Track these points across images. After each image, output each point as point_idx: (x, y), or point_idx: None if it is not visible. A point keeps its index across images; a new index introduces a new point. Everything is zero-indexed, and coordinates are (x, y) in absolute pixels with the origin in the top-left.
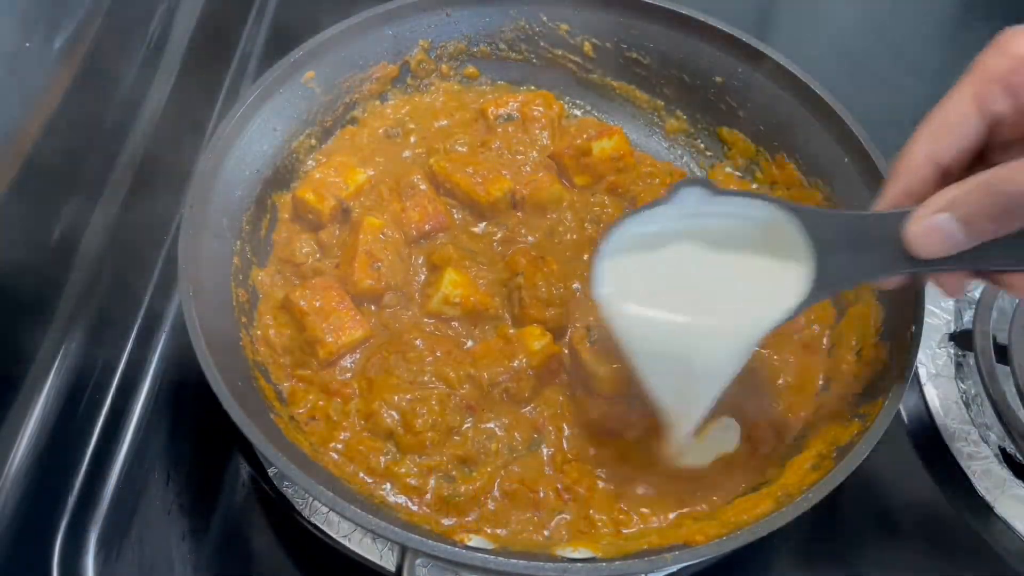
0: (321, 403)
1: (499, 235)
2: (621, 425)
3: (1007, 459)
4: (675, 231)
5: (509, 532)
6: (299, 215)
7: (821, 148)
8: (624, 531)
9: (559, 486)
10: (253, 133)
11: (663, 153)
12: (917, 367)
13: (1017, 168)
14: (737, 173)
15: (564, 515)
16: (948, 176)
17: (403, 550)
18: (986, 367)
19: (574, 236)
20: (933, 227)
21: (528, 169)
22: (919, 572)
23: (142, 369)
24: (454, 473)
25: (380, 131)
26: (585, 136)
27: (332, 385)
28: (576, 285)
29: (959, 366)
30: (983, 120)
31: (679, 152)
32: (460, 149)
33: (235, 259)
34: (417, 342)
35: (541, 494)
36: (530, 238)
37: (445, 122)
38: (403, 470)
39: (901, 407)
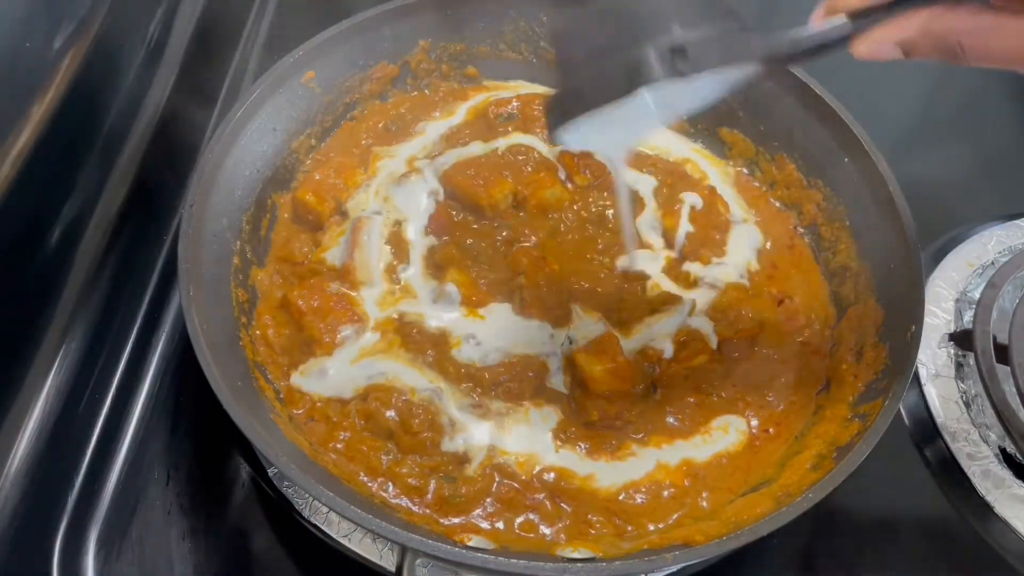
0: (319, 404)
1: (501, 235)
2: (621, 422)
3: (1007, 459)
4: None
5: (508, 529)
6: (299, 216)
7: (821, 148)
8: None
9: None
10: (253, 133)
11: None
12: (917, 367)
13: None
14: (744, 170)
15: (564, 521)
16: None
17: (403, 550)
18: (986, 367)
19: (576, 236)
20: None
21: (530, 169)
22: (919, 572)
23: (142, 369)
24: (455, 473)
25: (379, 125)
26: None
27: None
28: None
29: (959, 366)
30: None
31: None
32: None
33: (235, 259)
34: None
35: (538, 496)
36: (533, 238)
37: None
38: (404, 470)
39: (901, 407)
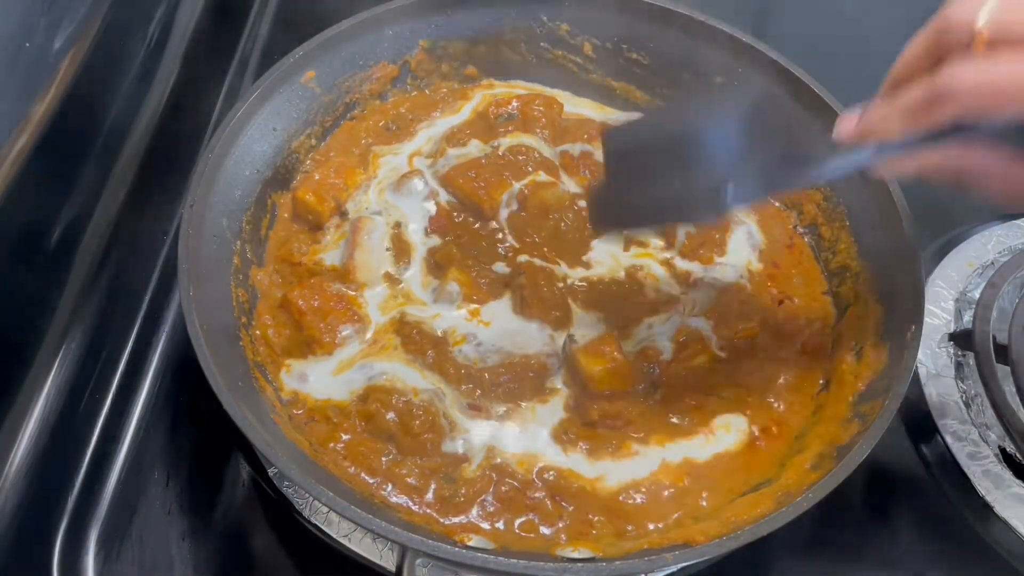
0: (316, 405)
1: (502, 235)
2: (621, 422)
3: (1007, 459)
4: None
5: (508, 529)
6: (299, 215)
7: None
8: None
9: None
10: (253, 133)
11: None
12: (917, 367)
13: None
14: None
15: (564, 521)
16: None
17: (403, 550)
18: (986, 367)
19: (576, 236)
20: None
21: (530, 169)
22: (919, 572)
23: (142, 369)
24: (455, 474)
25: (379, 125)
26: (585, 136)
27: None
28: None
29: (959, 366)
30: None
31: None
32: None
33: (235, 259)
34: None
35: (538, 496)
36: (536, 238)
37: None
38: (404, 471)
39: (901, 407)
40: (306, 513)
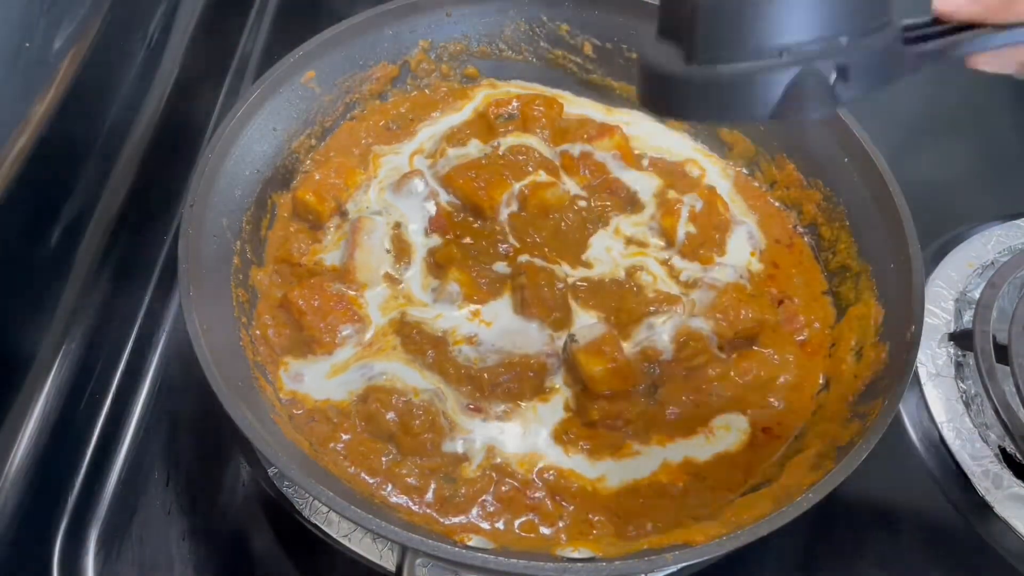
0: (316, 405)
1: (502, 235)
2: (621, 422)
3: (1007, 459)
4: None
5: (508, 529)
6: (299, 215)
7: (821, 148)
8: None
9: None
10: (253, 133)
11: None
12: (917, 367)
13: None
14: (744, 170)
15: (564, 521)
16: None
17: (403, 550)
18: (986, 367)
19: (576, 235)
20: None
21: (530, 169)
22: (919, 572)
23: (142, 369)
24: (455, 474)
25: (380, 124)
26: (585, 136)
27: None
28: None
29: (959, 366)
30: None
31: None
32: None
33: (235, 259)
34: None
35: (538, 496)
36: (536, 238)
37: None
38: (404, 471)
39: (901, 407)
40: (306, 513)
